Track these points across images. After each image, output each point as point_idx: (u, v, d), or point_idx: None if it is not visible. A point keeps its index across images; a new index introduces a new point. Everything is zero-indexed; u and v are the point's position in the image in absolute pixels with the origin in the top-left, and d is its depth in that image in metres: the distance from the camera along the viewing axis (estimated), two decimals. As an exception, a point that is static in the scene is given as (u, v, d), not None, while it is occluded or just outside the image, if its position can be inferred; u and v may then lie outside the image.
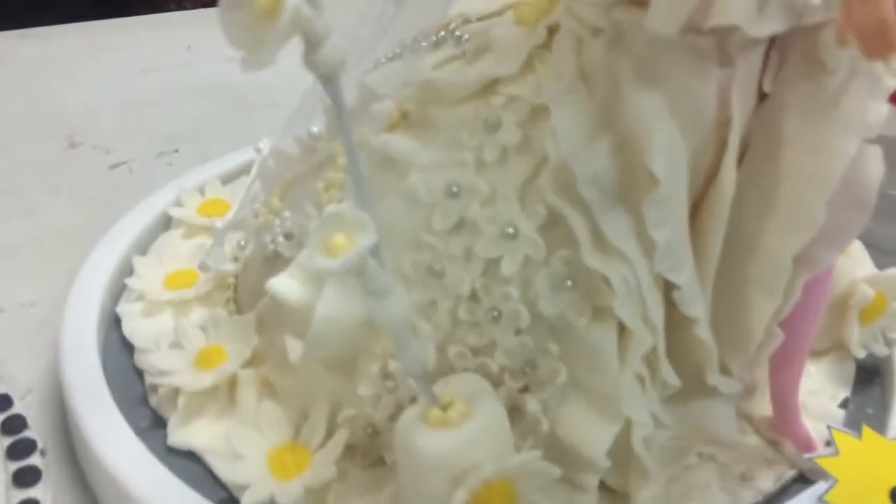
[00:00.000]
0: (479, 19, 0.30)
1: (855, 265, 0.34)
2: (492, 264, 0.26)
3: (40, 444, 0.31)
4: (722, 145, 0.24)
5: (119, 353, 0.34)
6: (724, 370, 0.27)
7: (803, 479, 0.30)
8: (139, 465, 0.28)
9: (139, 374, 0.33)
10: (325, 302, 0.27)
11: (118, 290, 0.37)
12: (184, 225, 0.41)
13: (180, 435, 0.30)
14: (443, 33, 0.30)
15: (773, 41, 0.23)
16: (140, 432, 0.30)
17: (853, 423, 0.32)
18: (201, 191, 0.43)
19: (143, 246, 0.40)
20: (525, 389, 0.27)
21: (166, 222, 0.42)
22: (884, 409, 0.33)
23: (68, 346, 0.33)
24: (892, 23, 0.19)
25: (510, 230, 0.25)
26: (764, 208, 0.25)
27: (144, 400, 0.32)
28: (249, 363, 0.32)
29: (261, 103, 0.59)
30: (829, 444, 0.30)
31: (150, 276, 0.37)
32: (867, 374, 0.35)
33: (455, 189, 0.26)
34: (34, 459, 0.30)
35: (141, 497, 0.27)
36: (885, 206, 0.26)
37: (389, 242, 0.21)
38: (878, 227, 0.28)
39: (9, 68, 0.67)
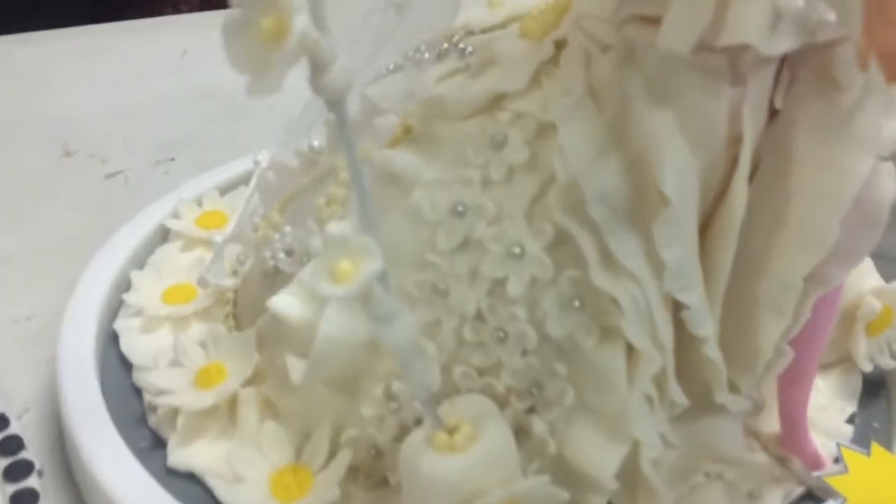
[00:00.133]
0: (483, 31, 0.29)
1: (861, 277, 0.34)
2: (498, 284, 0.26)
3: (38, 465, 0.31)
4: (732, 163, 0.24)
5: (117, 370, 0.34)
6: (733, 388, 0.27)
7: (812, 497, 0.30)
8: (138, 486, 0.28)
9: (138, 392, 0.33)
10: (328, 322, 0.27)
11: (115, 305, 0.37)
12: (182, 237, 0.40)
13: (180, 456, 0.30)
14: (446, 45, 0.30)
15: (784, 58, 0.23)
16: (139, 453, 0.29)
17: (861, 439, 0.32)
18: (199, 202, 0.42)
19: (140, 259, 0.39)
20: (531, 410, 0.26)
21: (164, 234, 0.41)
22: (890, 423, 0.33)
23: (65, 363, 0.32)
24: None
25: (517, 250, 0.25)
26: (774, 226, 0.25)
27: (143, 419, 0.32)
28: (250, 381, 0.31)
29: (259, 109, 0.58)
30: (837, 460, 0.30)
31: (147, 290, 0.37)
32: (873, 387, 0.34)
33: (460, 208, 0.26)
34: (32, 481, 0.30)
35: (140, 520, 0.27)
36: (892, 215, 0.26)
37: (392, 261, 0.20)
38: (885, 236, 0.27)
39: (1, 74, 0.67)
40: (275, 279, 0.31)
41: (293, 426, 0.29)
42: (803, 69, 0.23)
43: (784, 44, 0.21)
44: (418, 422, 0.26)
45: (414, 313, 0.25)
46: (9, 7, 0.81)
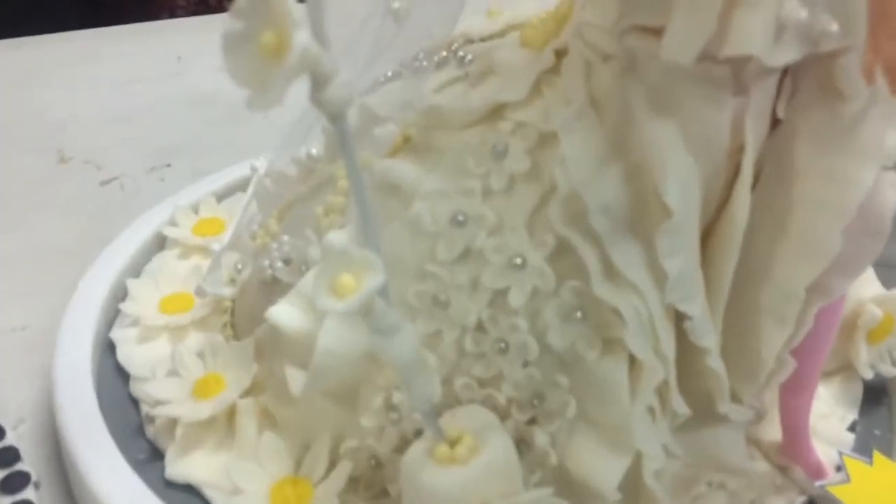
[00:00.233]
0: (482, 39, 0.29)
1: (862, 285, 0.34)
2: (499, 295, 0.25)
3: (34, 477, 0.30)
4: (734, 172, 0.24)
5: (114, 380, 0.34)
6: (735, 398, 0.27)
7: (814, 506, 0.30)
8: (135, 498, 0.28)
9: (135, 403, 0.33)
10: (328, 333, 0.26)
11: (112, 314, 0.37)
12: (179, 245, 0.40)
13: (178, 467, 0.29)
14: (445, 53, 0.30)
15: (786, 68, 0.23)
16: (136, 464, 0.29)
17: (862, 447, 0.32)
18: (195, 209, 0.42)
19: (136, 267, 0.39)
20: (533, 422, 0.26)
21: (160, 242, 0.41)
22: (891, 431, 0.33)
23: (62, 373, 0.32)
24: None
25: (518, 260, 0.25)
26: (776, 236, 0.24)
27: (140, 430, 0.31)
28: (248, 392, 0.31)
29: (255, 115, 0.58)
30: (839, 469, 0.30)
31: (144, 299, 0.36)
32: (874, 395, 0.34)
33: (461, 218, 0.25)
34: (28, 493, 0.30)
35: (138, 533, 0.26)
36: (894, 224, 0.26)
37: (393, 272, 0.20)
38: (886, 244, 0.27)
39: (-4, 79, 0.66)
40: (273, 288, 0.31)
41: (292, 437, 0.29)
42: (806, 79, 0.23)
43: (788, 55, 0.21)
44: (418, 433, 0.26)
45: (414, 324, 0.25)
46: (3, 11, 0.81)
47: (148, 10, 0.89)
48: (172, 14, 0.92)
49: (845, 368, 0.34)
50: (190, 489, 0.29)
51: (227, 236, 0.38)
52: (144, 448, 0.31)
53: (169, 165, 0.54)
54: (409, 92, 0.29)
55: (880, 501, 0.28)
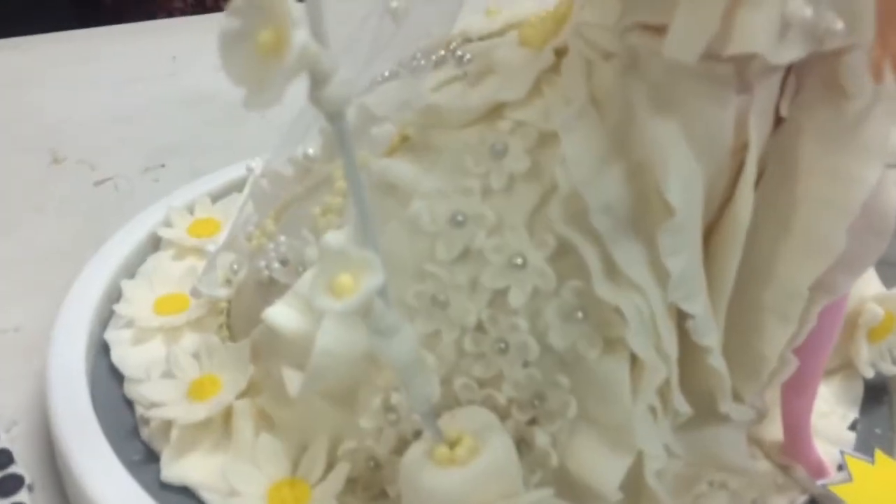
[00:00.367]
0: (481, 38, 0.29)
1: (863, 283, 0.34)
2: (498, 295, 0.25)
3: (28, 479, 0.30)
4: (737, 170, 0.24)
5: (108, 382, 0.33)
6: (737, 397, 0.26)
7: (815, 505, 0.29)
8: (130, 500, 0.27)
9: (129, 404, 0.32)
10: (326, 333, 0.26)
11: (106, 316, 0.36)
12: (174, 246, 0.40)
13: (174, 469, 0.29)
14: (443, 52, 0.29)
15: (790, 65, 0.23)
16: (131, 467, 0.29)
17: (863, 446, 0.31)
18: (190, 210, 0.42)
19: (131, 268, 0.39)
20: (533, 422, 0.26)
21: (155, 243, 0.40)
22: (892, 429, 0.33)
23: (55, 375, 0.32)
24: None
25: (518, 260, 0.25)
26: (780, 234, 0.24)
27: (135, 432, 0.31)
28: (245, 393, 0.31)
29: (251, 115, 0.58)
30: (840, 468, 0.29)
31: (139, 300, 0.36)
32: (875, 394, 0.34)
33: (460, 217, 0.25)
34: (22, 496, 0.29)
35: (134, 535, 0.26)
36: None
37: (391, 271, 0.20)
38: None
39: (-11, 79, 0.66)
40: (269, 289, 0.31)
41: (290, 439, 0.29)
42: (810, 77, 0.23)
43: (792, 52, 0.21)
44: (417, 434, 0.26)
45: (413, 324, 0.25)
46: (2, 11, 0.80)
47: (145, 11, 0.88)
48: (169, 14, 0.91)
49: (846, 367, 0.34)
50: (185, 491, 0.29)
51: (222, 237, 0.38)
52: (139, 450, 0.31)
53: (163, 166, 0.53)
54: (407, 91, 0.29)
55: (882, 500, 0.28)
